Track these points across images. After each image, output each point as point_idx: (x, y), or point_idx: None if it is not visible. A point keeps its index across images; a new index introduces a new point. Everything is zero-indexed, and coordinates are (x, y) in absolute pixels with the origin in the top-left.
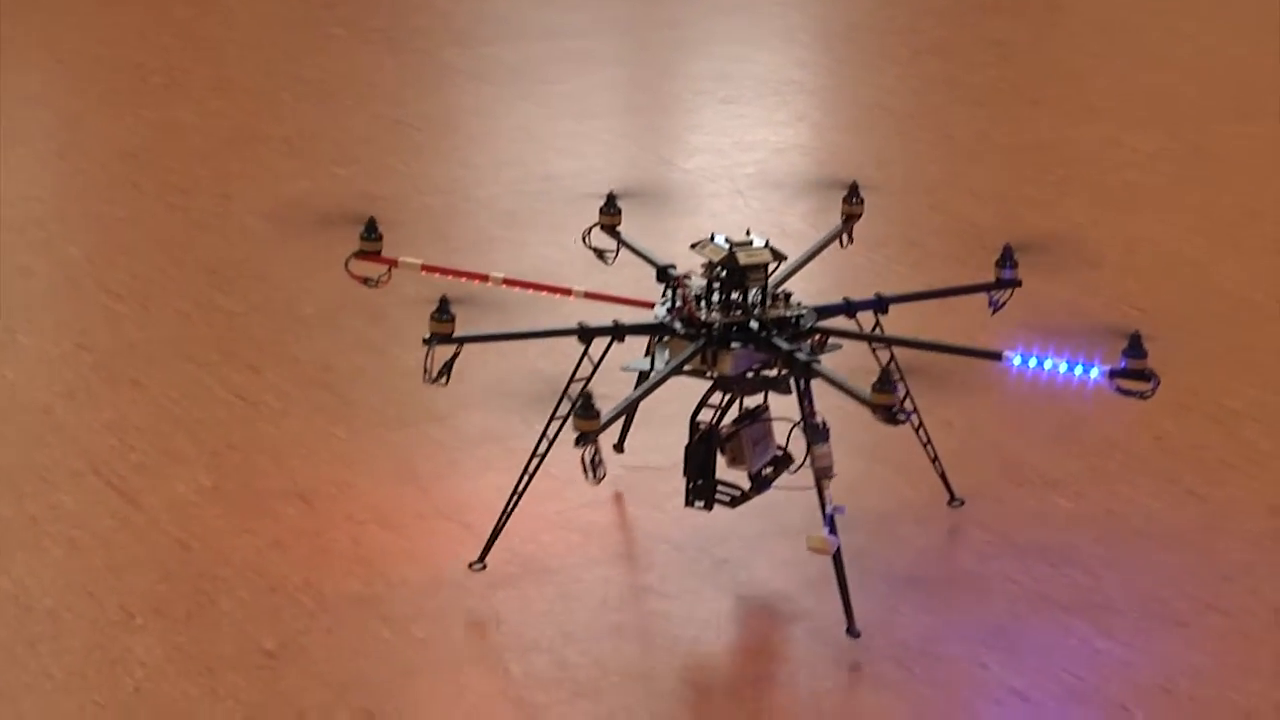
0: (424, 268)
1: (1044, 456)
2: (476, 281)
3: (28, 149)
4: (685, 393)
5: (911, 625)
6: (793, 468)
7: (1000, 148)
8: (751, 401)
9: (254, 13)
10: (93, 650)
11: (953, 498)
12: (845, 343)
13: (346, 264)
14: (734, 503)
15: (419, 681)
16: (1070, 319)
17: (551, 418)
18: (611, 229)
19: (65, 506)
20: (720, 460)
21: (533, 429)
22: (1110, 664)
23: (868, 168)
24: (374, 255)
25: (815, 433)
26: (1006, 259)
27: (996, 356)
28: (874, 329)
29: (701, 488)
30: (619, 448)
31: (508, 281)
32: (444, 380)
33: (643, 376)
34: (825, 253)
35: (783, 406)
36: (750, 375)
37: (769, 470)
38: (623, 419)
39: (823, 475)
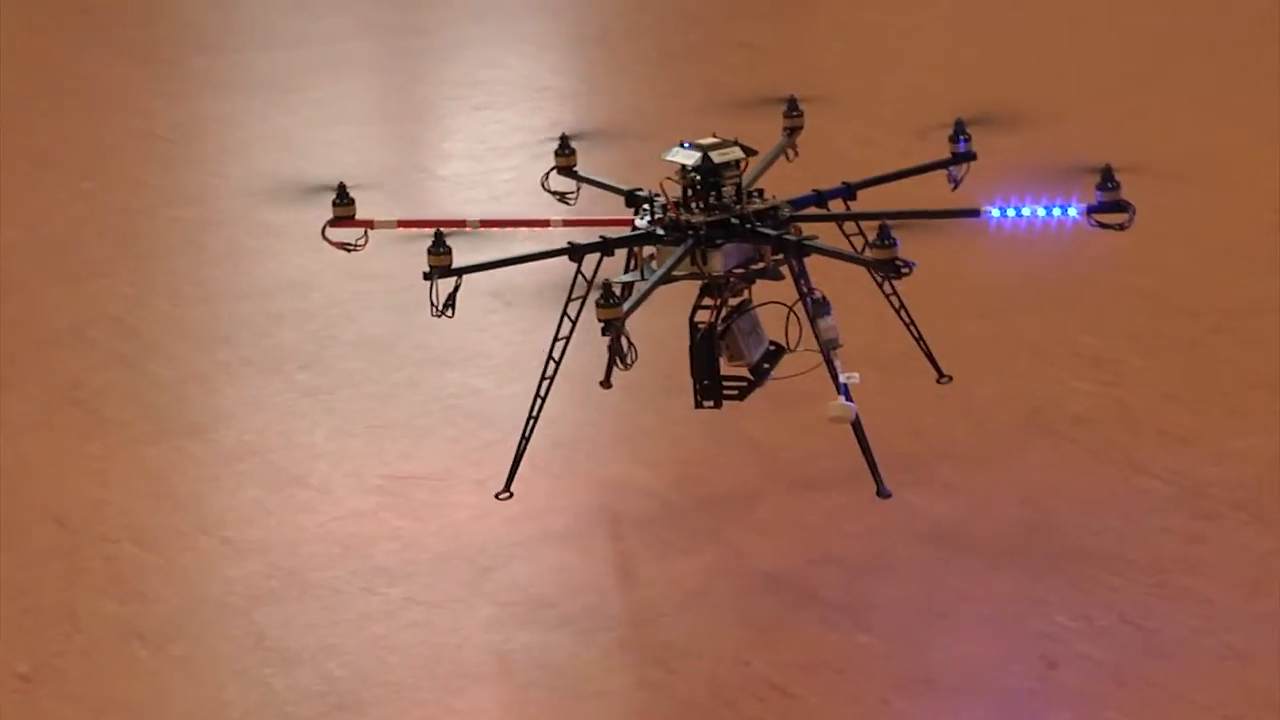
0: (400, 223)
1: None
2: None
3: None
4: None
5: (674, 627)
6: (794, 345)
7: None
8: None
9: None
10: None
11: (941, 375)
12: (821, 233)
13: (323, 231)
14: (742, 394)
15: (178, 701)
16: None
17: (555, 339)
18: (569, 170)
19: None
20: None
21: (292, 442)
22: (872, 657)
23: (621, 169)
24: (348, 220)
25: (819, 306)
26: (959, 133)
27: (975, 213)
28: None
29: (709, 388)
30: (606, 383)
31: (485, 223)
32: (450, 313)
33: (628, 289)
34: None
35: (764, 295)
36: (739, 271)
37: (766, 365)
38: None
39: (830, 347)
